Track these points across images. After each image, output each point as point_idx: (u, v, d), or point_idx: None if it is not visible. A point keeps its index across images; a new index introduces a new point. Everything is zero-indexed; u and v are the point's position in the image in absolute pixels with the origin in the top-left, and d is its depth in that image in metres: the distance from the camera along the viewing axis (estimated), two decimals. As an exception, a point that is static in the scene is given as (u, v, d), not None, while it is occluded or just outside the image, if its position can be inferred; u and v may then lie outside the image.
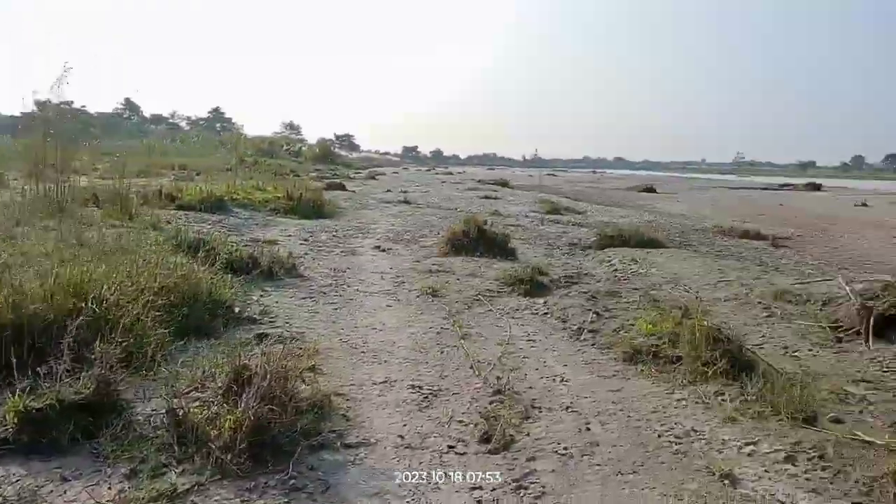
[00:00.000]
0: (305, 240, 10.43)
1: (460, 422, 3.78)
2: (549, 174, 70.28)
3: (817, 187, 45.67)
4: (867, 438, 3.36)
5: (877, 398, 4.27)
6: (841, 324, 6.00)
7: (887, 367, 4.99)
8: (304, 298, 6.54)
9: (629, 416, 3.90)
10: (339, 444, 3.38)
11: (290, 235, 10.77)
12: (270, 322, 5.57)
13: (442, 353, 5.12)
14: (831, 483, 3.03)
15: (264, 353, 3.47)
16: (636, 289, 7.74)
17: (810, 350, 5.47)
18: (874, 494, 2.91)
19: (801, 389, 3.95)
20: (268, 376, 3.24)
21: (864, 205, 28.33)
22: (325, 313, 6.09)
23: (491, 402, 4.05)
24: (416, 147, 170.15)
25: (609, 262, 9.91)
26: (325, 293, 6.88)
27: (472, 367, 4.72)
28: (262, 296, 6.36)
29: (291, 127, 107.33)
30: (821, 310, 6.45)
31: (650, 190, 37.12)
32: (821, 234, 17.27)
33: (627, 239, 11.77)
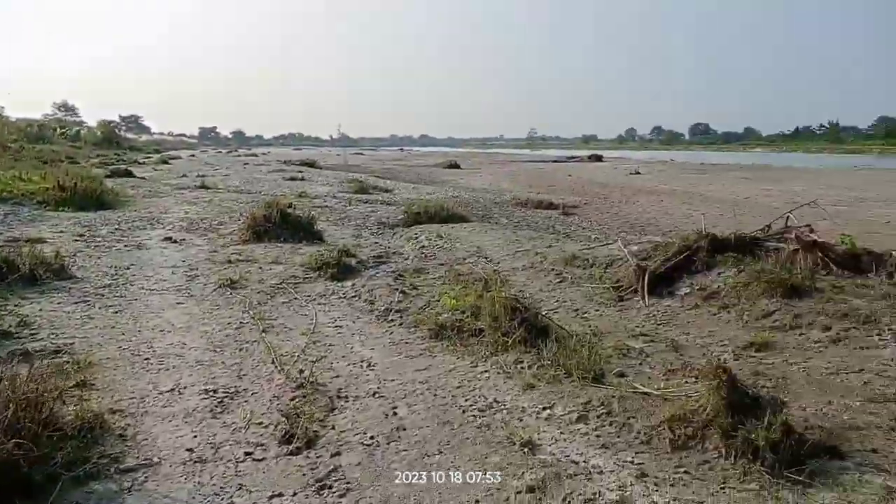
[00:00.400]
0: (81, 235, 9.21)
1: (259, 424, 3.50)
2: (357, 153, 70.15)
3: (599, 158, 50.59)
4: (645, 390, 3.66)
5: (653, 349, 4.71)
6: (622, 283, 6.57)
7: (660, 321, 5.54)
8: (76, 303, 5.72)
9: (435, 395, 3.89)
10: (112, 470, 2.95)
11: (61, 231, 9.44)
12: (31, 335, 4.77)
13: (240, 350, 4.75)
14: (618, 436, 3.25)
15: (1, 376, 2.89)
16: (442, 264, 7.87)
17: (597, 310, 5.92)
18: (653, 442, 3.16)
19: (590, 349, 4.21)
20: (11, 404, 2.71)
21: (637, 173, 31.84)
22: (102, 318, 5.37)
23: (293, 398, 3.81)
24: (216, 128, 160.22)
25: (416, 239, 9.99)
26: (102, 295, 6.08)
27: (273, 362, 4.43)
28: (19, 305, 5.45)
29: (66, 108, 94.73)
30: (605, 272, 7.02)
31: (455, 166, 38.49)
32: (603, 201, 19.06)
33: (434, 215, 12.01)
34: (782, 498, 2.63)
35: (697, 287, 6.11)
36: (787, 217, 7.40)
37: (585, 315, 5.75)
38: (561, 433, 3.31)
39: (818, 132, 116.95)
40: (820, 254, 6.23)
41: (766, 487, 2.71)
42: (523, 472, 2.88)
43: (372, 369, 4.38)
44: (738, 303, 5.58)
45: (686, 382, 3.87)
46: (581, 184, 25.84)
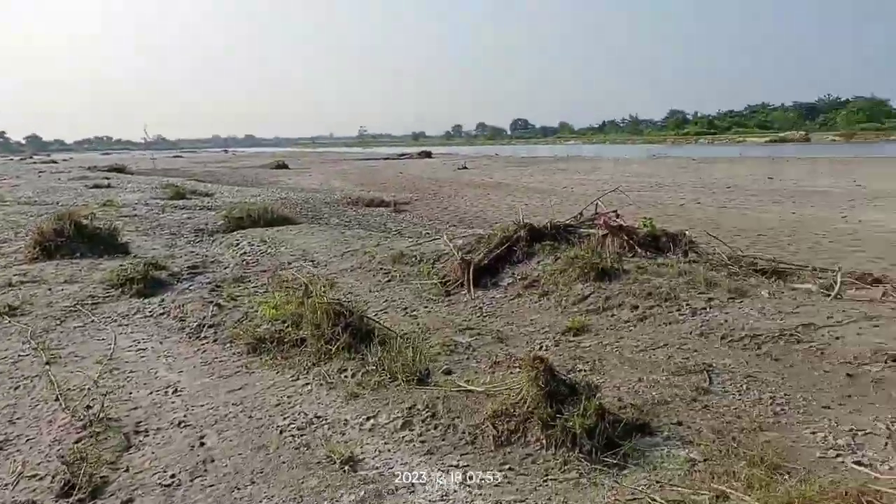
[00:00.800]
0: None
1: (33, 477, 2.96)
2: (175, 156, 65.92)
3: (429, 154, 51.55)
4: (469, 387, 3.59)
5: (479, 343, 4.70)
6: (449, 278, 6.57)
7: (485, 313, 5.59)
8: None
9: (250, 417, 3.55)
10: None
11: None
12: None
13: (16, 388, 4.05)
14: (443, 440, 3.14)
15: None
16: (265, 271, 7.43)
17: (426, 307, 5.85)
18: (478, 441, 3.09)
19: (414, 350, 4.08)
20: None
21: (465, 167, 32.83)
22: None
23: (79, 440, 3.28)
24: (4, 133, 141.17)
25: (237, 245, 9.38)
26: None
27: (57, 399, 3.81)
28: None
29: None
30: (433, 267, 6.99)
31: (283, 166, 37.28)
32: (433, 196, 19.33)
33: (257, 219, 11.41)
34: (599, 483, 2.66)
35: (519, 276, 6.27)
36: (597, 204, 7.88)
37: (414, 313, 5.66)
38: (385, 443, 3.14)
39: (621, 125, 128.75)
40: (625, 237, 6.67)
41: (584, 475, 2.74)
42: (342, 495, 2.66)
43: (178, 395, 3.92)
44: (557, 289, 5.79)
45: (511, 374, 3.87)
46: (412, 180, 26.07)
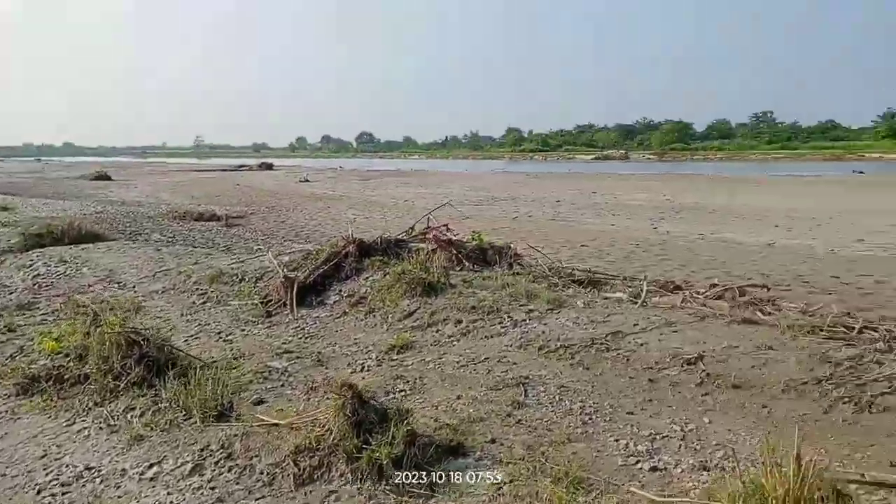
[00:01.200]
0: None
1: None
2: (-28, 165, 58.66)
3: (270, 167, 49.79)
4: (273, 421, 3.27)
5: (297, 367, 4.39)
6: (271, 297, 6.16)
7: (308, 334, 5.27)
8: None
9: (3, 475, 2.97)
10: None
11: None
12: None
13: None
14: (237, 483, 2.80)
15: None
16: (59, 295, 6.55)
17: (243, 330, 5.42)
18: (276, 482, 2.79)
19: (215, 381, 3.67)
20: None
21: (307, 180, 32.07)
22: None
23: None
24: None
25: (31, 266, 8.24)
26: None
27: None
28: None
29: None
30: (255, 286, 6.53)
31: (105, 177, 34.20)
32: (271, 209, 18.55)
33: (61, 236, 10.18)
34: (404, 518, 2.48)
35: (346, 293, 6.02)
36: (428, 218, 7.85)
37: (230, 337, 5.21)
38: (168, 494, 2.74)
39: (463, 141, 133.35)
40: (454, 251, 6.67)
41: (389, 509, 2.55)
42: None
43: None
44: (384, 305, 5.62)
45: (326, 400, 3.60)
46: (249, 193, 24.92)
